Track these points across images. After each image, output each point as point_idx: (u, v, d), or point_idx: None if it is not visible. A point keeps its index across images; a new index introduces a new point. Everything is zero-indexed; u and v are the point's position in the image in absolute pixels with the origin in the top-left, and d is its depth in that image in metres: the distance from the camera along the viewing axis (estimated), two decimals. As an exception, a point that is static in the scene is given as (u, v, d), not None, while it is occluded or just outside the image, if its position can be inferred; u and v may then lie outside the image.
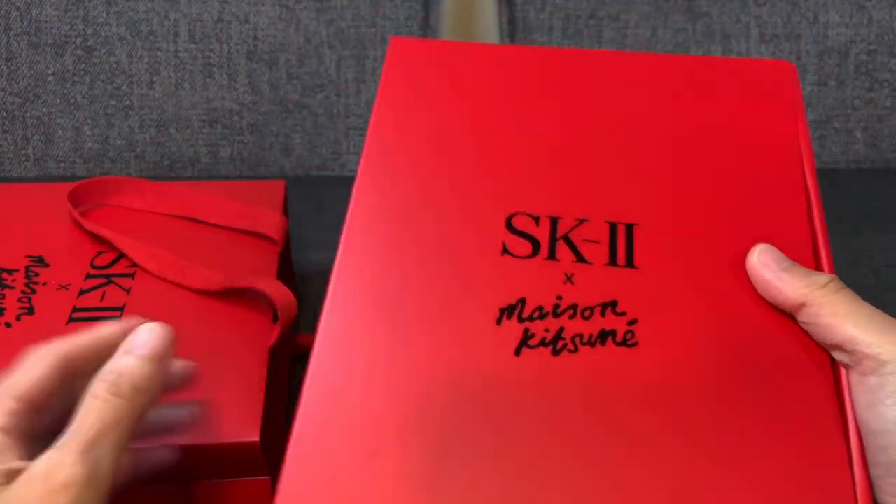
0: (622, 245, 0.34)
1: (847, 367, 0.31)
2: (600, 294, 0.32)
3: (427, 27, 0.80)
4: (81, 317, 0.49)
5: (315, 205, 0.75)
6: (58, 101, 0.80)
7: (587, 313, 0.32)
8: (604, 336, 0.31)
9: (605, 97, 0.39)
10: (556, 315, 0.32)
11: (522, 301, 0.32)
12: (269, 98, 0.81)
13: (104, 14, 0.78)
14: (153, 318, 0.46)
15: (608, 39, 0.80)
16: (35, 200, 0.58)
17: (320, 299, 0.62)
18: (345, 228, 0.36)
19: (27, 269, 0.52)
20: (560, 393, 0.30)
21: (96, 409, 0.31)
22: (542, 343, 0.31)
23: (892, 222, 0.74)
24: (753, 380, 0.30)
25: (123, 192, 0.58)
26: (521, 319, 0.32)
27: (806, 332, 0.32)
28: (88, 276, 0.52)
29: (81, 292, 0.51)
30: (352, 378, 0.31)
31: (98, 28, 0.78)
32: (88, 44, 0.78)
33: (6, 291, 0.50)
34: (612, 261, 0.33)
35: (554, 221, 0.34)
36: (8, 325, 0.48)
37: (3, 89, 0.79)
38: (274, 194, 0.59)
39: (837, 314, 0.31)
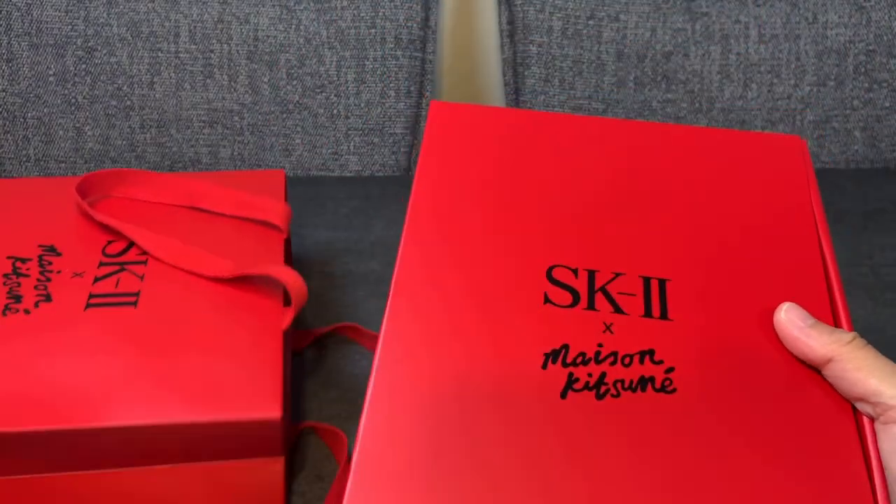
0: (656, 298, 0.36)
1: (871, 417, 0.33)
2: (638, 343, 0.35)
3: (427, 28, 0.81)
4: (98, 303, 0.50)
5: (315, 205, 0.75)
6: (58, 101, 0.80)
7: (627, 360, 0.34)
8: (643, 382, 0.34)
9: (634, 162, 0.42)
10: (598, 361, 0.34)
11: (566, 347, 0.34)
12: (269, 98, 0.81)
13: (105, 15, 0.78)
14: (165, 306, 0.49)
15: (607, 40, 0.80)
16: (43, 194, 0.58)
17: (318, 296, 0.62)
18: (394, 278, 0.37)
19: (40, 257, 0.53)
20: (605, 434, 0.32)
21: None
22: (587, 387, 0.33)
23: (891, 222, 0.74)
24: (783, 428, 0.33)
25: (129, 183, 0.59)
26: (565, 364, 0.34)
27: (831, 385, 0.34)
28: (101, 264, 0.53)
29: (96, 279, 0.52)
30: (406, 416, 0.33)
31: (99, 29, 0.78)
32: (89, 44, 0.78)
33: (21, 280, 0.51)
34: (648, 312, 0.36)
35: (591, 274, 0.37)
36: (27, 311, 0.49)
37: (3, 90, 0.79)
38: (274, 183, 0.60)
39: (862, 369, 0.33)
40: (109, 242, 0.54)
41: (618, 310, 0.36)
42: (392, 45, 0.80)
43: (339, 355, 0.59)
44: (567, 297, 0.36)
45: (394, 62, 0.80)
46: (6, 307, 0.49)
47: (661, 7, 0.80)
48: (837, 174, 0.82)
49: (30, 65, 0.79)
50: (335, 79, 0.80)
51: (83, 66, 0.79)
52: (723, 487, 0.31)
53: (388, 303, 0.37)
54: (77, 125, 0.81)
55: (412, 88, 0.82)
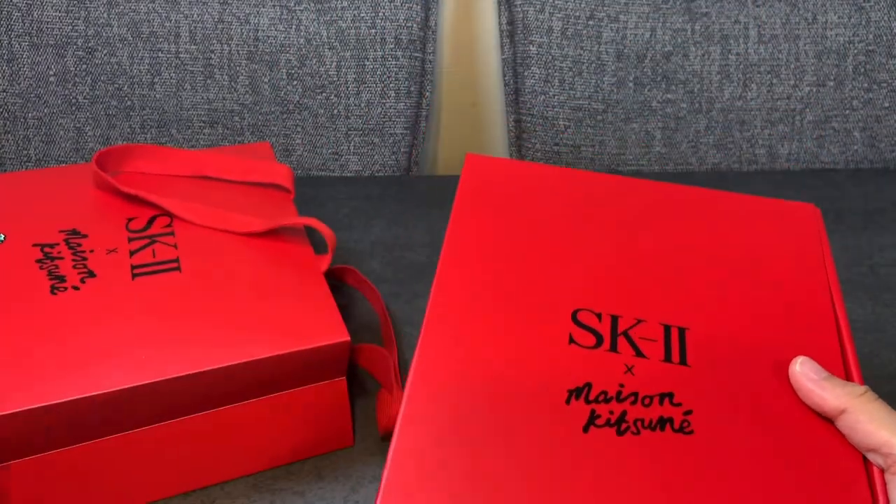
0: (675, 345, 0.38)
1: (881, 468, 0.35)
2: (658, 385, 0.37)
3: (427, 28, 0.81)
4: (144, 272, 0.52)
5: (315, 205, 0.75)
6: (59, 101, 0.80)
7: (647, 401, 0.36)
8: (662, 422, 0.35)
9: (659, 220, 0.44)
10: (619, 400, 0.36)
11: (588, 385, 0.36)
12: (269, 99, 0.81)
13: (105, 15, 0.78)
14: (209, 266, 0.52)
15: (607, 40, 0.80)
16: (49, 183, 0.60)
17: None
18: (426, 318, 0.39)
19: (66, 241, 0.54)
20: (624, 468, 0.33)
21: None
22: (608, 423, 0.35)
23: (891, 222, 0.74)
24: (796, 474, 0.34)
25: (137, 157, 0.61)
26: (587, 401, 0.36)
27: (843, 435, 0.36)
28: (131, 240, 0.54)
29: (132, 253, 0.53)
30: (435, 438, 0.35)
31: (99, 29, 0.78)
32: (90, 45, 0.78)
33: (57, 262, 0.52)
34: (668, 358, 0.38)
35: (615, 319, 0.39)
36: (76, 287, 0.50)
37: (4, 90, 0.79)
38: (265, 153, 0.63)
39: (874, 420, 0.35)
40: (130, 220, 0.56)
41: (639, 353, 0.38)
42: (392, 46, 0.80)
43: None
44: (591, 339, 0.38)
45: (394, 62, 0.80)
46: (52, 287, 0.50)
47: (661, 7, 0.80)
48: (837, 174, 0.83)
49: (30, 65, 0.79)
50: (335, 79, 0.80)
51: (84, 66, 0.79)
52: None
53: (421, 334, 0.38)
54: (77, 125, 0.81)
55: (412, 89, 0.82)
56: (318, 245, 0.56)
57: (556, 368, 0.37)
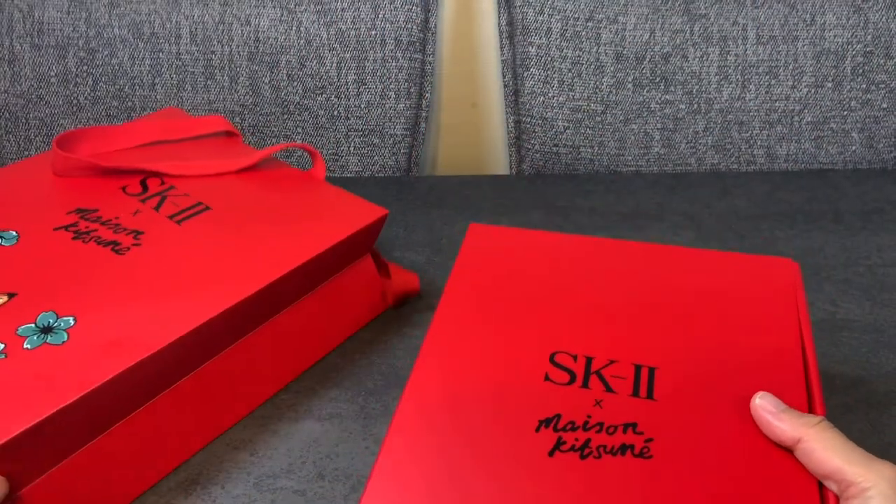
0: (644, 382, 0.42)
1: (836, 495, 0.37)
2: (624, 416, 0.40)
3: (427, 29, 0.81)
4: (183, 217, 0.55)
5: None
6: (60, 102, 0.80)
7: (611, 430, 0.39)
8: (624, 448, 0.38)
9: (636, 274, 0.48)
10: (585, 429, 0.39)
11: (558, 416, 0.40)
12: (269, 100, 0.81)
13: (106, 16, 0.78)
14: (233, 201, 0.57)
15: (606, 41, 0.81)
16: (12, 180, 0.59)
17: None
18: (421, 351, 0.44)
19: (83, 217, 0.54)
20: (585, 490, 0.37)
21: None
22: (572, 449, 0.38)
23: (889, 222, 0.74)
24: (752, 498, 0.36)
25: (90, 139, 0.62)
26: (556, 430, 0.39)
27: (801, 464, 0.38)
28: (143, 201, 0.56)
29: (156, 208, 0.55)
30: (418, 456, 0.38)
31: (100, 30, 0.78)
32: (91, 45, 0.79)
33: (94, 234, 0.53)
34: (636, 392, 0.41)
35: (589, 360, 0.43)
36: (136, 244, 0.52)
37: (6, 91, 0.79)
38: (181, 113, 0.68)
39: (828, 449, 0.37)
40: (124, 187, 0.58)
41: (609, 389, 0.41)
42: (392, 47, 0.80)
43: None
44: (565, 377, 0.42)
45: (394, 64, 0.81)
46: (114, 250, 0.51)
47: (660, 9, 0.80)
48: (835, 175, 0.83)
49: (32, 66, 0.79)
50: (335, 80, 0.81)
51: (85, 67, 0.79)
52: None
53: (415, 366, 0.43)
54: (79, 126, 0.81)
55: (412, 90, 0.82)
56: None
57: (531, 401, 0.40)
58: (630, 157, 0.84)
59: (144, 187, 0.58)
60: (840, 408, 0.54)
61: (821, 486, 0.37)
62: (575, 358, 0.43)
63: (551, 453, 0.38)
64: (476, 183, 0.81)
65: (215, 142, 0.64)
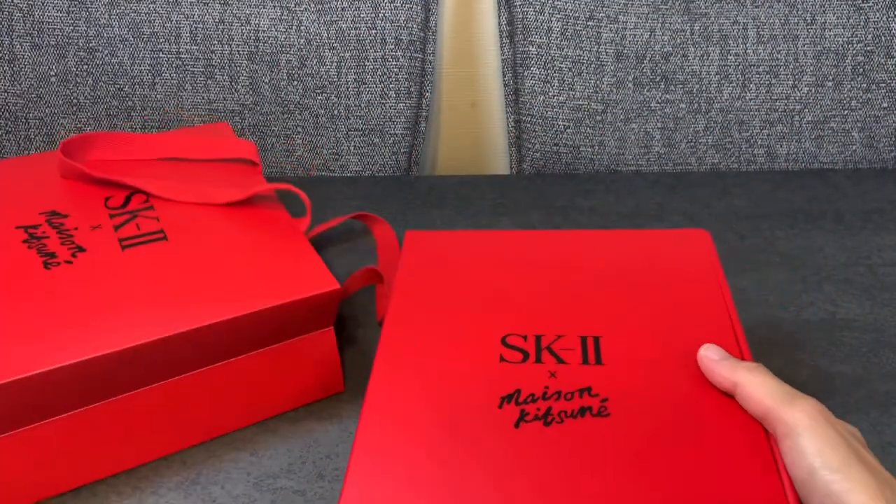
0: (591, 350, 0.45)
1: (774, 436, 0.39)
2: (578, 383, 0.43)
3: (427, 29, 0.81)
4: (132, 244, 0.53)
5: (316, 205, 0.75)
6: (60, 101, 0.80)
7: (569, 396, 0.42)
8: (583, 410, 0.41)
9: (571, 260, 0.52)
10: (544, 399, 0.42)
11: (518, 391, 0.43)
12: (270, 99, 0.81)
13: (106, 16, 0.78)
14: (194, 235, 0.54)
15: (606, 40, 0.80)
16: (19, 171, 0.61)
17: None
18: (379, 347, 0.46)
19: (48, 221, 0.55)
20: (552, 452, 0.39)
21: None
22: (536, 418, 0.41)
23: (889, 222, 0.74)
24: (705, 443, 0.39)
25: (101, 144, 0.62)
26: (517, 403, 0.42)
27: (743, 407, 0.40)
28: (112, 216, 0.56)
29: (116, 227, 0.55)
30: (396, 439, 0.40)
31: (100, 29, 0.78)
32: (91, 45, 0.79)
33: (44, 240, 0.53)
34: (585, 361, 0.44)
35: (538, 338, 0.46)
36: (68, 262, 0.51)
37: (5, 90, 0.79)
38: (226, 132, 0.66)
39: (759, 391, 0.39)
40: (108, 198, 0.58)
41: (560, 361, 0.44)
42: (392, 46, 0.80)
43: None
44: (518, 356, 0.45)
45: (394, 63, 0.81)
46: (45, 263, 0.51)
47: (660, 8, 0.80)
48: (835, 174, 0.83)
49: (32, 65, 0.79)
50: (336, 79, 0.81)
51: (85, 66, 0.79)
52: (652, 493, 0.37)
53: (375, 363, 0.45)
54: (79, 125, 0.81)
55: (412, 89, 0.82)
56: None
57: (490, 381, 0.43)
58: (630, 157, 0.84)
59: (126, 202, 0.58)
60: (840, 408, 0.54)
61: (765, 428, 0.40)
62: (525, 338, 0.46)
63: (517, 425, 0.41)
64: (476, 183, 0.81)
65: (229, 168, 0.63)
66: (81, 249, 0.52)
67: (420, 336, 0.46)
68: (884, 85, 0.82)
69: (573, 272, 0.51)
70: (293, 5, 0.79)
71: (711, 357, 0.42)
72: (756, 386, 0.39)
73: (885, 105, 0.83)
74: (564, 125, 0.83)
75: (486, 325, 0.47)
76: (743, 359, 0.43)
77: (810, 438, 0.36)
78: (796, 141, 0.84)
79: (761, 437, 0.39)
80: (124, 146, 0.63)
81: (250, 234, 0.55)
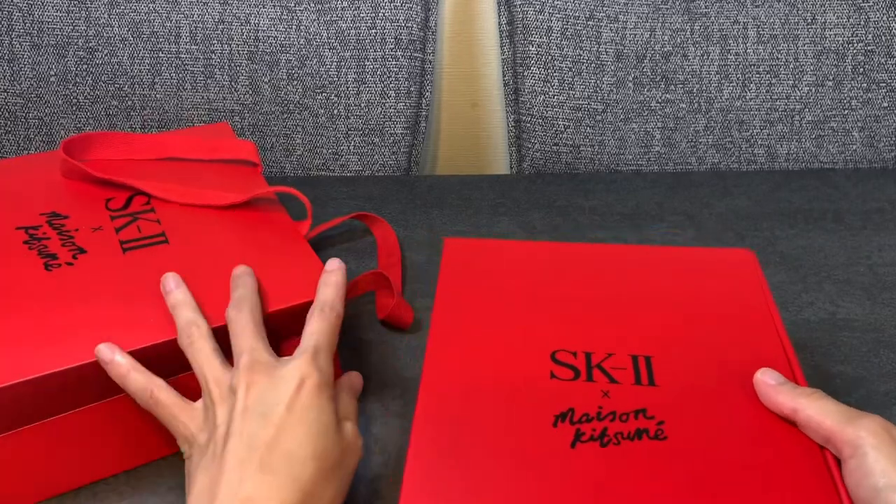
0: (644, 370, 0.44)
1: (837, 457, 0.39)
2: (632, 404, 0.42)
3: (427, 28, 0.81)
4: (132, 247, 0.53)
5: (315, 205, 0.75)
6: (60, 101, 0.80)
7: (624, 417, 0.42)
8: (640, 433, 0.41)
9: (609, 274, 0.51)
10: (599, 419, 0.42)
11: (572, 410, 0.42)
12: (269, 99, 0.81)
13: (106, 15, 0.78)
14: (194, 237, 0.54)
15: (606, 40, 0.80)
16: (19, 171, 0.61)
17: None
18: (425, 362, 0.45)
19: (49, 222, 0.55)
20: (610, 475, 0.39)
21: (312, 331, 0.46)
22: (592, 438, 0.41)
23: (890, 221, 0.74)
24: (764, 466, 0.39)
25: (103, 144, 0.62)
26: (572, 423, 0.41)
27: (803, 431, 0.41)
28: (113, 218, 0.56)
29: (117, 230, 0.55)
30: (443, 464, 0.40)
31: (100, 29, 0.78)
32: (90, 45, 0.79)
33: (45, 242, 0.53)
34: (638, 381, 0.44)
35: (588, 355, 0.45)
36: (69, 263, 0.51)
37: (5, 90, 0.79)
38: (226, 132, 0.66)
39: (821, 415, 0.39)
40: (109, 199, 0.57)
41: (612, 380, 0.44)
42: (392, 46, 0.80)
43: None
44: (569, 373, 0.44)
45: (394, 63, 0.81)
46: (46, 265, 0.51)
47: (661, 8, 0.80)
48: (836, 174, 0.83)
49: (31, 65, 0.79)
50: (335, 79, 0.81)
51: (84, 66, 0.79)
52: None
53: (423, 379, 0.44)
54: (78, 125, 0.81)
55: (412, 89, 0.82)
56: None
57: (542, 399, 0.43)
58: (630, 157, 0.84)
59: (127, 204, 0.57)
60: (840, 408, 0.54)
61: (824, 451, 0.40)
62: (575, 354, 0.45)
63: (573, 445, 0.40)
64: (476, 183, 0.81)
65: (229, 169, 0.62)
66: (82, 251, 0.52)
67: (466, 350, 0.46)
68: (884, 84, 0.82)
69: (618, 288, 0.50)
70: (293, 5, 0.79)
71: (768, 382, 0.42)
72: (817, 410, 0.39)
73: (885, 105, 0.83)
74: (564, 125, 0.83)
75: (534, 339, 0.46)
76: (797, 382, 0.43)
77: (875, 458, 0.36)
78: (796, 141, 0.84)
79: (820, 461, 0.39)
80: (125, 146, 0.62)
81: (251, 238, 0.55)
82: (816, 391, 0.41)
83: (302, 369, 0.43)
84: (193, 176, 0.61)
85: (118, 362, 0.45)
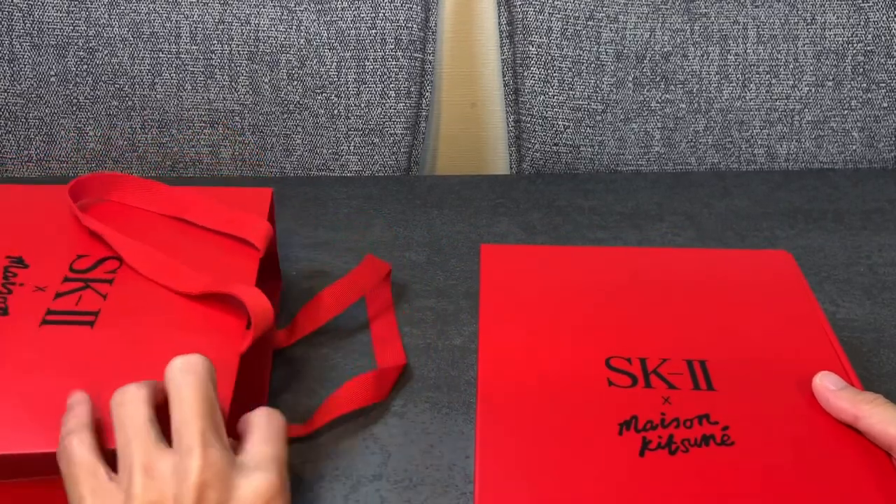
0: (701, 375, 0.44)
1: None
2: (694, 410, 0.42)
3: (427, 29, 0.81)
4: (54, 320, 0.50)
5: (315, 205, 0.76)
6: (60, 101, 0.80)
7: (688, 423, 0.41)
8: (706, 439, 0.41)
9: (651, 278, 0.51)
10: (664, 426, 0.41)
11: (635, 417, 0.42)
12: (269, 99, 0.81)
13: (106, 16, 0.78)
14: (127, 322, 0.49)
15: (606, 40, 0.80)
16: (23, 202, 0.59)
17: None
18: (479, 373, 0.45)
19: (6, 269, 0.53)
20: (681, 483, 0.39)
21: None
22: (659, 446, 0.40)
23: (890, 221, 0.74)
24: (831, 471, 0.39)
25: (120, 188, 0.60)
26: (637, 430, 0.41)
27: (866, 437, 0.41)
28: (66, 280, 0.52)
29: (57, 295, 0.51)
30: (518, 479, 0.39)
31: (100, 29, 0.78)
32: (90, 45, 0.79)
33: None
34: (696, 386, 0.44)
35: (643, 361, 0.45)
36: None
37: (5, 90, 0.79)
38: (261, 202, 0.60)
39: (885, 422, 0.39)
40: (79, 257, 0.54)
41: (671, 386, 0.44)
42: (392, 46, 0.80)
43: (334, 351, 0.59)
44: (627, 380, 0.44)
45: (394, 63, 0.81)
46: None
47: (660, 8, 0.80)
48: (835, 174, 0.83)
49: (31, 65, 0.79)
50: (335, 79, 0.81)
51: (84, 66, 0.79)
52: None
53: (479, 387, 0.44)
54: (78, 125, 0.81)
55: (412, 89, 0.82)
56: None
57: (604, 407, 0.42)
58: (630, 157, 0.84)
59: (93, 266, 0.54)
60: (840, 408, 0.54)
61: (891, 457, 0.40)
62: (629, 361, 0.45)
63: (642, 453, 0.40)
64: (476, 183, 0.81)
65: (227, 246, 0.57)
66: (4, 313, 0.49)
67: (519, 359, 0.45)
68: (884, 85, 0.82)
69: (662, 291, 0.50)
70: (293, 5, 0.79)
71: (829, 387, 0.42)
72: (881, 417, 0.39)
73: (885, 105, 0.83)
74: (564, 125, 0.83)
75: (586, 346, 0.46)
76: (853, 385, 0.43)
77: None
78: (796, 141, 0.84)
79: (887, 466, 0.39)
80: (147, 195, 0.59)
81: (179, 342, 0.48)
82: (878, 397, 0.41)
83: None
84: (188, 246, 0.56)
85: None
